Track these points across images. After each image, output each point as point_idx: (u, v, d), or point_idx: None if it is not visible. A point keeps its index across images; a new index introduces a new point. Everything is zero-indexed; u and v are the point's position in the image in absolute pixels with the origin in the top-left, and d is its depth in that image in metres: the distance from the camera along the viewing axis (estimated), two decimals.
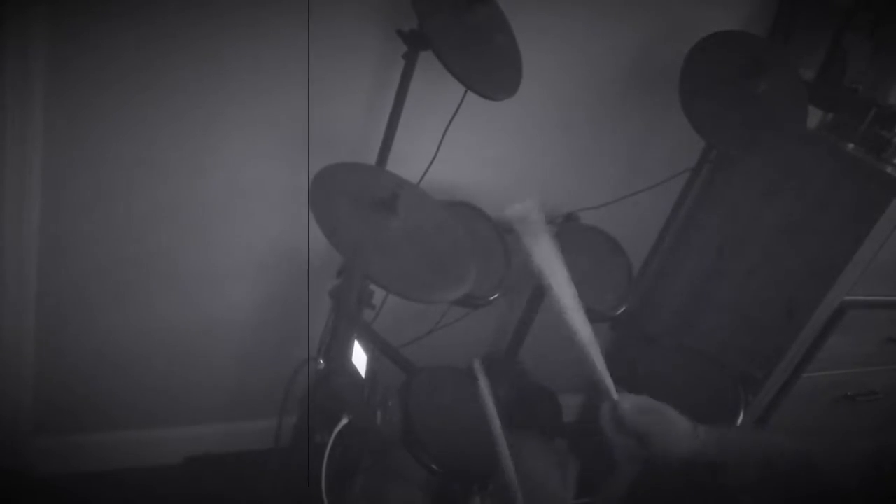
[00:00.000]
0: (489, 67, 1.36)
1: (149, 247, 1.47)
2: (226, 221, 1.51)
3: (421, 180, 1.54)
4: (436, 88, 1.42)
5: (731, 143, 1.64)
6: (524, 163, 1.77)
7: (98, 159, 1.33)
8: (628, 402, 1.01)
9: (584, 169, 1.87)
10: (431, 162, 1.55)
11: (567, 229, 1.75)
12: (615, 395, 1.02)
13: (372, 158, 1.47)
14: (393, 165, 1.45)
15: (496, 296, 1.56)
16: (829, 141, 1.78)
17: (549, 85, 1.65)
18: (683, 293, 2.09)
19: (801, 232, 1.75)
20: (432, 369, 1.47)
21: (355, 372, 1.42)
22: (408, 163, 1.50)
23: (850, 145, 1.75)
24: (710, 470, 0.96)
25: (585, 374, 1.03)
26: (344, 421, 1.30)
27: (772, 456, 0.96)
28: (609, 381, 1.03)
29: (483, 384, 1.11)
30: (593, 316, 1.59)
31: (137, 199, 1.40)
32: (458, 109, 1.48)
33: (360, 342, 1.44)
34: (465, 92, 1.39)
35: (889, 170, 1.65)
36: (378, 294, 1.50)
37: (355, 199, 1.18)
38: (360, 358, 1.43)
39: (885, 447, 0.99)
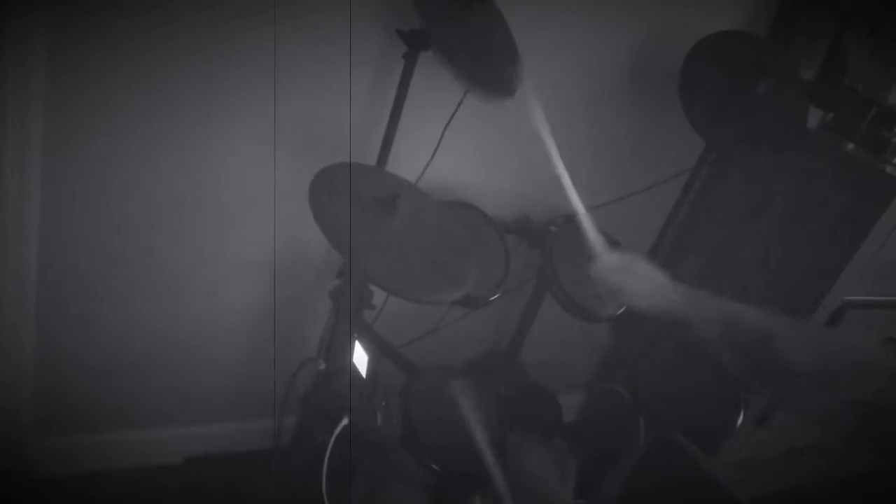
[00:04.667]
0: (489, 67, 1.36)
1: (149, 247, 1.47)
2: (226, 222, 1.51)
3: (419, 179, 1.54)
4: (436, 89, 1.42)
5: (731, 143, 1.64)
6: (523, 163, 1.76)
7: (98, 162, 1.33)
8: (601, 262, 1.12)
9: (584, 169, 1.86)
10: (429, 162, 1.55)
11: (567, 229, 1.75)
12: (599, 250, 1.13)
13: (372, 158, 1.47)
14: (393, 165, 1.45)
15: (496, 296, 1.56)
16: (829, 141, 1.78)
17: (548, 85, 1.64)
18: None
19: (801, 231, 1.75)
20: (432, 369, 1.47)
21: (356, 372, 1.42)
22: (408, 163, 1.50)
23: (850, 145, 1.75)
24: (677, 324, 1.02)
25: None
26: (344, 421, 1.30)
27: (732, 319, 1.05)
28: (595, 236, 1.15)
29: (465, 406, 1.14)
30: (593, 316, 1.60)
31: (137, 200, 1.40)
32: (457, 109, 1.48)
33: (360, 342, 1.44)
34: (465, 92, 1.39)
35: (889, 170, 1.66)
36: (378, 294, 1.50)
37: (355, 199, 1.18)
38: (360, 358, 1.43)
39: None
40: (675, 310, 1.06)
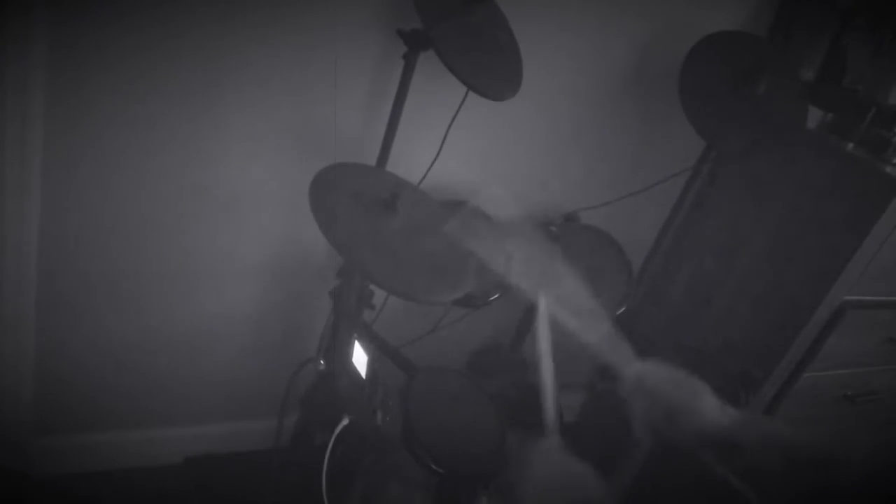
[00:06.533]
0: (490, 67, 1.36)
1: (149, 247, 1.47)
2: (226, 222, 1.51)
3: (422, 181, 1.54)
4: (436, 88, 1.42)
5: (731, 143, 1.64)
6: (524, 163, 1.77)
7: (98, 161, 1.33)
8: (663, 373, 0.97)
9: (584, 169, 1.87)
10: (433, 162, 1.55)
11: (567, 229, 1.75)
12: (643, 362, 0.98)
13: (372, 159, 1.47)
14: (393, 166, 1.45)
15: (496, 296, 1.56)
16: (829, 141, 1.78)
17: (549, 85, 1.65)
18: (683, 293, 2.09)
19: (801, 232, 1.75)
20: (432, 369, 1.47)
21: (355, 372, 1.42)
22: (408, 163, 1.50)
23: (850, 145, 1.75)
24: (730, 452, 0.94)
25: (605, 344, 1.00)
26: (344, 421, 1.30)
27: (796, 446, 0.95)
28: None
29: (543, 313, 1.09)
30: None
31: (137, 200, 1.40)
32: (459, 109, 1.48)
33: (360, 342, 1.44)
34: (467, 92, 1.39)
35: (889, 170, 1.65)
36: (378, 294, 1.50)
37: (355, 199, 1.18)
38: (360, 358, 1.43)
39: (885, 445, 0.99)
40: (731, 434, 0.93)
